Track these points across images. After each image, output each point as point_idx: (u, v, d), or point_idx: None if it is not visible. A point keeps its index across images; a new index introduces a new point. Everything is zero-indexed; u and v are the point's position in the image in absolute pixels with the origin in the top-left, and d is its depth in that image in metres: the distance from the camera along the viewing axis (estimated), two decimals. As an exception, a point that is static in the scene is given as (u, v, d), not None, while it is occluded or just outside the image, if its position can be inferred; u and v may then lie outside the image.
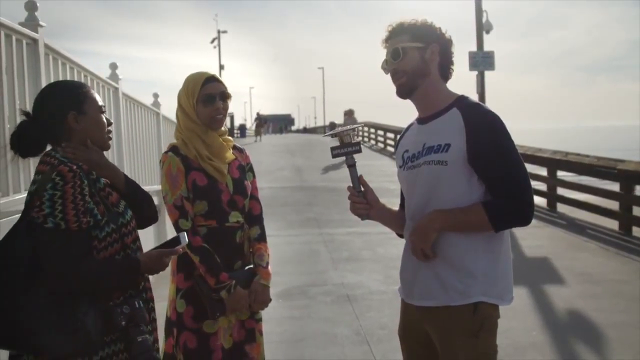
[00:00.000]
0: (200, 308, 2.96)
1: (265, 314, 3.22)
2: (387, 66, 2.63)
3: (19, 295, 2.10)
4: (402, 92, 2.61)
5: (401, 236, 2.77)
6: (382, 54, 2.66)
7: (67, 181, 2.16)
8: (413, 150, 2.63)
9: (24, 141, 2.33)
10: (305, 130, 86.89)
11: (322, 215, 12.08)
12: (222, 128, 3.13)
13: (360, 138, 30.46)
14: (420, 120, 2.67)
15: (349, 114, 26.05)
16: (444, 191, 2.49)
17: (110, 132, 2.46)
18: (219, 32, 51.79)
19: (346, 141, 2.66)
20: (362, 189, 2.71)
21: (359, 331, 5.65)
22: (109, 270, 2.26)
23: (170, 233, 6.86)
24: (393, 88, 2.63)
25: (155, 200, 10.61)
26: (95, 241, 2.24)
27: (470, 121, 2.45)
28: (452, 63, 2.64)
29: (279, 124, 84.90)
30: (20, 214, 2.29)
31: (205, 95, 3.00)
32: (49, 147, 2.41)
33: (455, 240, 2.49)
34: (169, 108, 11.74)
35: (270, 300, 3.12)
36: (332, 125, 51.40)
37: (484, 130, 2.44)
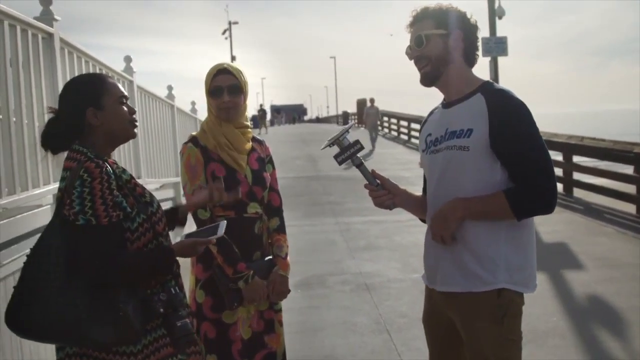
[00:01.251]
0: (219, 298, 2.98)
1: (283, 304, 3.23)
2: (410, 52, 2.61)
3: (61, 289, 2.12)
4: (426, 80, 2.58)
5: (424, 221, 2.74)
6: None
7: (94, 177, 2.17)
8: (436, 134, 2.61)
9: (52, 138, 2.36)
10: (318, 120, 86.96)
11: (337, 204, 12.05)
12: (245, 122, 3.13)
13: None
14: (445, 105, 2.64)
15: (372, 102, 27.43)
16: (466, 177, 2.46)
17: (135, 120, 2.44)
18: (230, 23, 51.77)
19: (345, 144, 2.61)
20: (378, 182, 2.69)
21: (378, 320, 5.66)
22: (142, 261, 2.28)
23: (188, 223, 6.87)
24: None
25: (173, 192, 10.56)
26: (127, 233, 2.26)
27: (494, 107, 2.41)
28: (477, 49, 2.59)
29: (292, 114, 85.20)
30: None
31: (214, 87, 3.04)
32: None
33: (476, 228, 2.46)
34: (183, 100, 11.78)
35: (289, 291, 3.13)
36: (346, 115, 51.35)
37: (508, 116, 2.40)
